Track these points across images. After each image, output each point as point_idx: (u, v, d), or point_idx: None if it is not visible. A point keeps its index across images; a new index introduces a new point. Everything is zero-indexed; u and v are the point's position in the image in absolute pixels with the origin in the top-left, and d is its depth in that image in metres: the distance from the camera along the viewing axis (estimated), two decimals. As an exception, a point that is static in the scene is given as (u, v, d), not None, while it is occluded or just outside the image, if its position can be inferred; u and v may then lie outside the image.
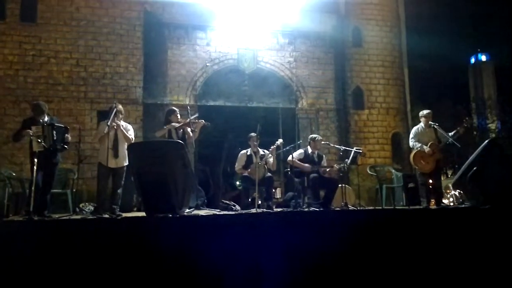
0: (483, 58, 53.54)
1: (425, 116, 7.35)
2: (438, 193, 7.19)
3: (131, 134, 6.38)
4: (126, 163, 6.25)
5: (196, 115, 7.09)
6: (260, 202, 6.90)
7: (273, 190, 8.67)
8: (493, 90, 43.50)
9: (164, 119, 7.10)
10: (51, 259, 4.21)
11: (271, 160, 7.40)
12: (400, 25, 13.22)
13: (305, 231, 5.01)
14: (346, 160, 7.47)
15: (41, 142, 5.53)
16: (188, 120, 6.80)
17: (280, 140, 7.33)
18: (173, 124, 6.82)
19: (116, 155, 6.14)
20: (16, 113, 9.56)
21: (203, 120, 7.01)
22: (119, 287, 4.26)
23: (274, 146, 7.30)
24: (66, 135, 5.99)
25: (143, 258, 4.39)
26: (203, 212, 6.39)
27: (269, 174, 7.39)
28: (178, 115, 6.98)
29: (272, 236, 4.81)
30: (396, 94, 12.63)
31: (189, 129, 6.80)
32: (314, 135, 7.98)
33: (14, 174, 7.64)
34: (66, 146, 6.02)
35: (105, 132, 6.03)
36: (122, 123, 6.34)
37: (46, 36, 10.30)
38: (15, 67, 10.02)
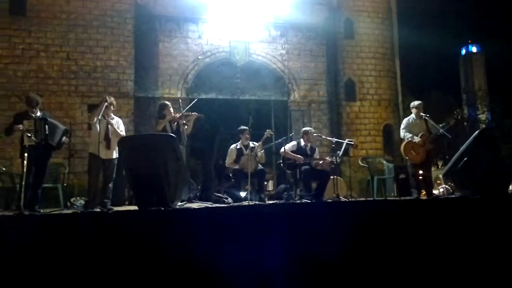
0: (474, 49, 53.85)
1: (416, 107, 7.37)
2: (429, 184, 7.24)
3: (122, 130, 6.41)
4: (116, 155, 6.25)
5: (191, 104, 7.12)
6: (252, 194, 6.92)
7: (265, 183, 8.68)
8: (483, 81, 43.78)
9: (158, 114, 7.08)
10: (42, 254, 4.20)
11: (259, 153, 7.41)
12: (391, 16, 13.20)
13: (297, 223, 5.04)
14: (338, 152, 7.50)
15: (31, 136, 5.52)
16: (181, 113, 6.79)
17: (269, 130, 7.34)
18: (172, 115, 6.81)
19: (108, 146, 6.15)
20: (5, 107, 9.43)
21: (196, 113, 7.00)
22: (111, 281, 4.26)
23: (263, 139, 7.33)
24: (65, 137, 6.03)
25: (135, 252, 4.39)
26: (195, 205, 6.40)
27: (261, 166, 7.40)
28: (171, 109, 6.97)
29: (264, 229, 4.83)
30: (387, 85, 12.65)
31: (182, 122, 6.80)
32: (307, 128, 7.98)
33: (4, 168, 7.59)
34: (59, 146, 6.06)
35: (94, 121, 6.07)
36: (114, 119, 6.35)
37: (35, 29, 10.16)
38: (4, 61, 9.88)
